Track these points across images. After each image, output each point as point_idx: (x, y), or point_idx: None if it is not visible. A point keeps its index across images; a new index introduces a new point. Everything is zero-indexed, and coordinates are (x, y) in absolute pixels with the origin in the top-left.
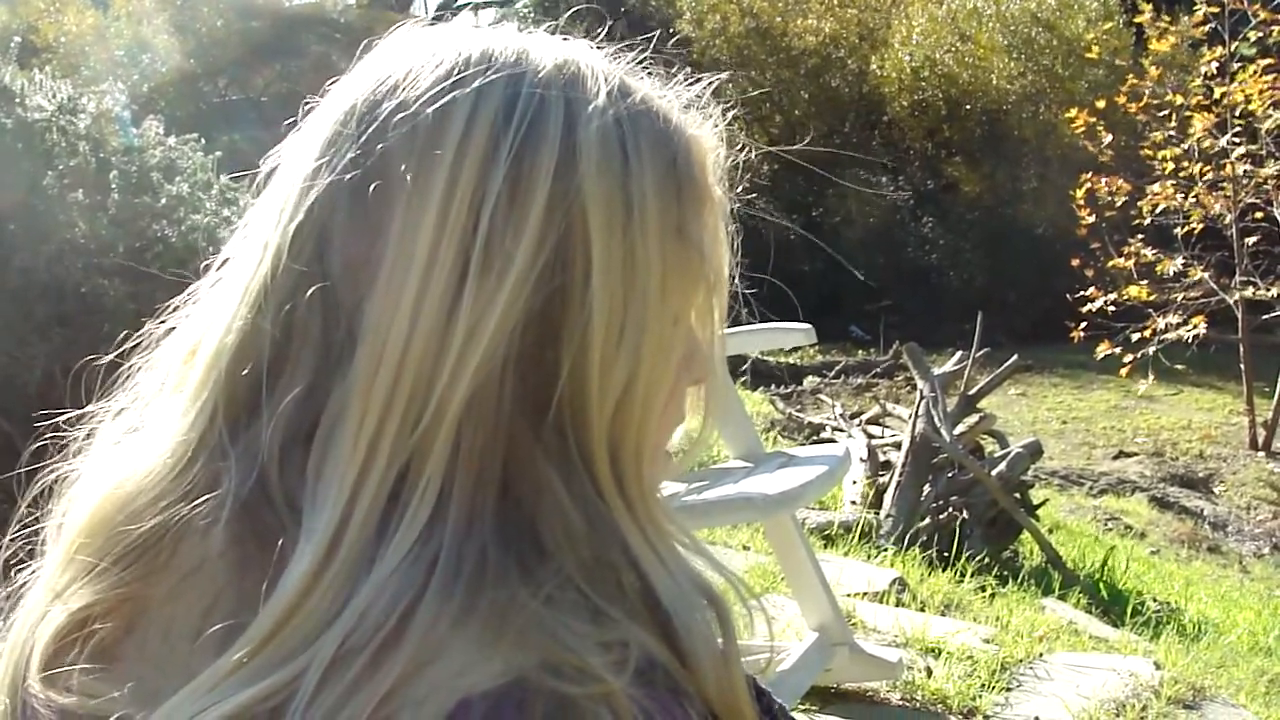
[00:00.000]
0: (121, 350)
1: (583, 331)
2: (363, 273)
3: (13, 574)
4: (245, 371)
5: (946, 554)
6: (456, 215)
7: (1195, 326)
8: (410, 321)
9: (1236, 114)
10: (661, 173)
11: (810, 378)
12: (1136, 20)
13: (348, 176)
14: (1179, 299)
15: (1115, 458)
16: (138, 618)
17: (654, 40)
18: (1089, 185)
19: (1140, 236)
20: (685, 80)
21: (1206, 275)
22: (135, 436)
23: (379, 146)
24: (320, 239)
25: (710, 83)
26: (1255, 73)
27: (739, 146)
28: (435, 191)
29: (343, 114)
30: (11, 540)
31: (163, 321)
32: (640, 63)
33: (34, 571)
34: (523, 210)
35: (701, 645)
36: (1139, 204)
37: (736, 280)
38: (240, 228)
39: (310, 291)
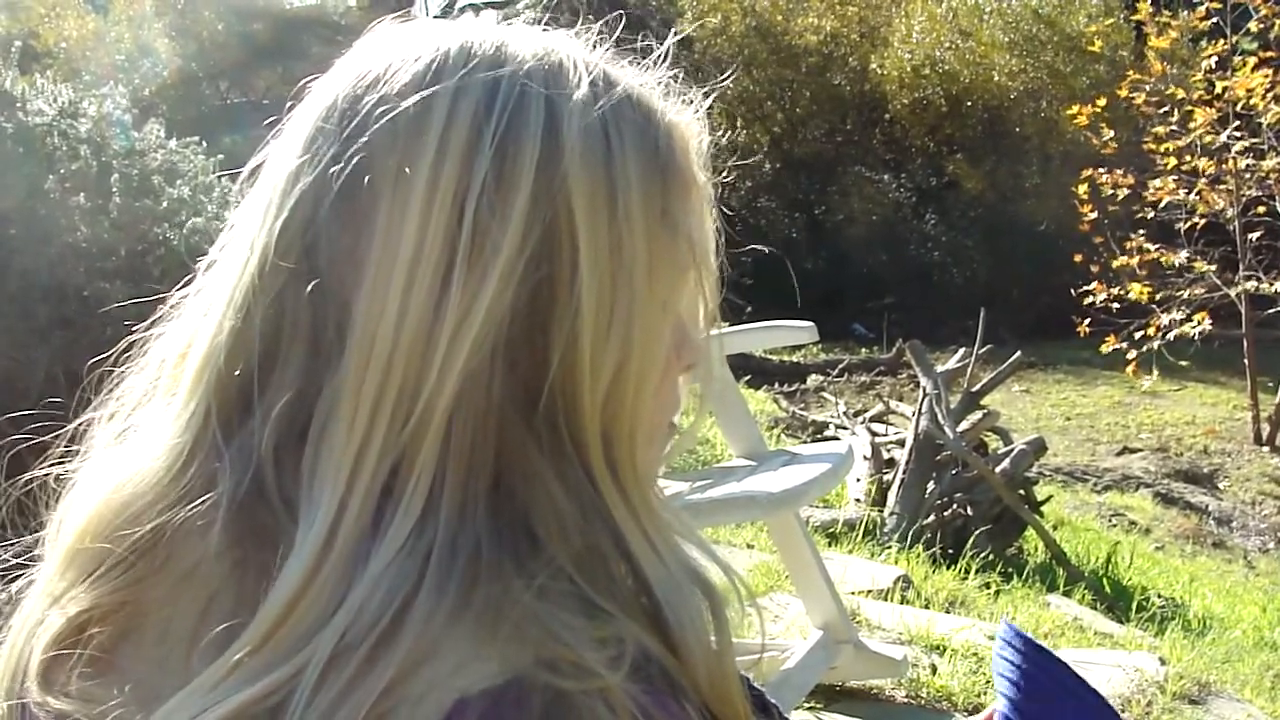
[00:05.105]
0: (120, 354)
1: (572, 321)
2: (349, 269)
3: (8, 578)
4: (237, 372)
5: (951, 551)
6: (441, 208)
7: (1200, 323)
8: (398, 316)
9: (1238, 108)
10: (645, 159)
11: (813, 376)
12: (1135, 18)
13: (331, 173)
14: (1183, 295)
15: (1119, 454)
16: (135, 621)
17: (652, 37)
18: (1092, 178)
19: (1142, 232)
20: (670, 70)
21: (1211, 269)
22: (130, 441)
23: (361, 142)
24: (306, 237)
25: (673, 56)
26: (1253, 67)
27: (719, 132)
28: (419, 185)
29: (324, 111)
30: (7, 544)
31: (153, 324)
32: (638, 61)
33: (30, 577)
34: (508, 201)
35: (693, 636)
36: (1142, 196)
37: (727, 270)
38: (226, 229)
39: (298, 289)
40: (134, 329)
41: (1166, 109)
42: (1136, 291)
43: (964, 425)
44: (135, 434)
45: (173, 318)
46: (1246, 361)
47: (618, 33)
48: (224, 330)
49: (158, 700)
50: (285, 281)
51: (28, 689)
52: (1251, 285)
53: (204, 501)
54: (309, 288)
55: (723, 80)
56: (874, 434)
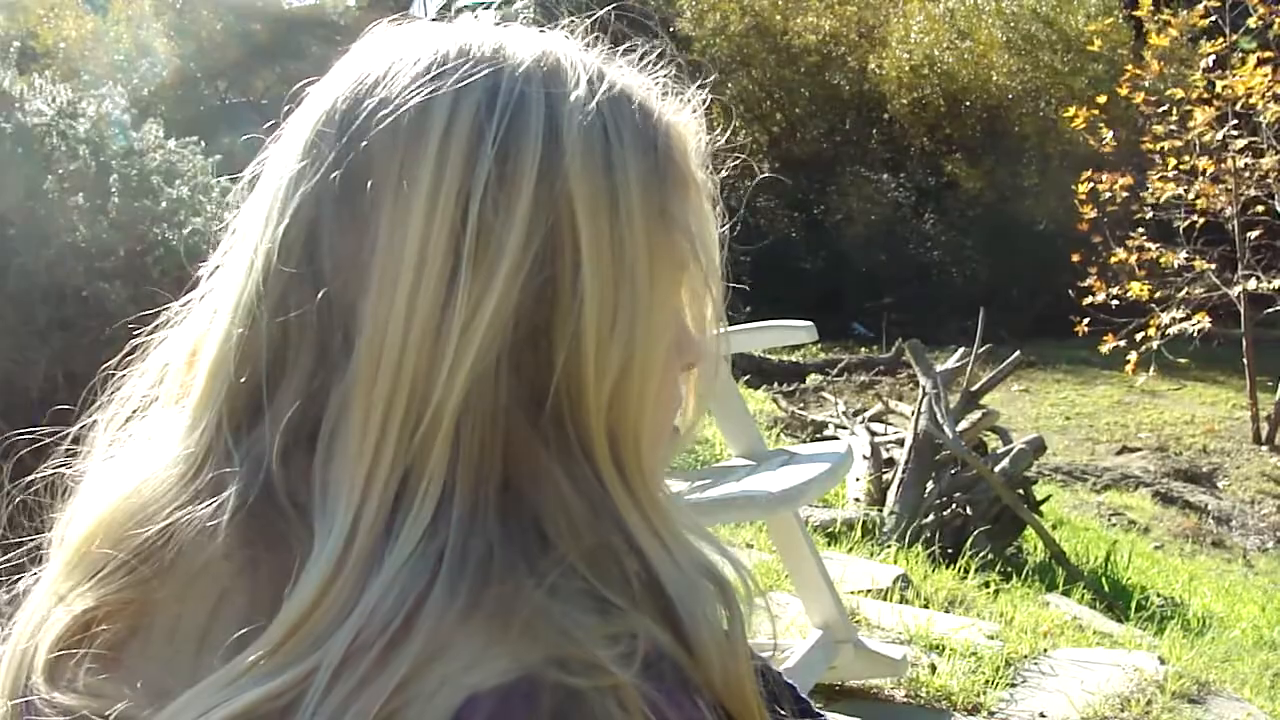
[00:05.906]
0: (123, 356)
1: (576, 321)
2: (354, 273)
3: (11, 578)
4: (245, 378)
5: (950, 550)
6: (444, 210)
7: (1199, 322)
8: (405, 320)
9: (1237, 107)
10: (644, 159)
11: (813, 375)
12: (1135, 14)
13: (332, 176)
14: (1182, 294)
15: (1119, 453)
16: (142, 620)
17: (654, 38)
18: (1091, 182)
19: (1142, 230)
20: (669, 70)
21: (1210, 267)
22: (139, 446)
23: (362, 145)
24: (309, 241)
25: (671, 55)
26: (1252, 66)
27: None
28: (421, 187)
29: (324, 115)
30: (11, 544)
31: (156, 329)
32: (641, 61)
33: (35, 576)
34: (511, 203)
35: (706, 632)
36: (1141, 195)
37: (730, 270)
38: (228, 235)
39: (303, 295)
40: (136, 331)
41: (1165, 108)
42: (1136, 290)
43: (963, 425)
44: (145, 440)
45: (177, 322)
46: (1246, 361)
47: (615, 33)
48: (232, 337)
49: (166, 698)
50: (290, 287)
51: (34, 684)
52: (1251, 284)
53: (213, 503)
54: (314, 293)
55: (708, 78)
56: (873, 433)
